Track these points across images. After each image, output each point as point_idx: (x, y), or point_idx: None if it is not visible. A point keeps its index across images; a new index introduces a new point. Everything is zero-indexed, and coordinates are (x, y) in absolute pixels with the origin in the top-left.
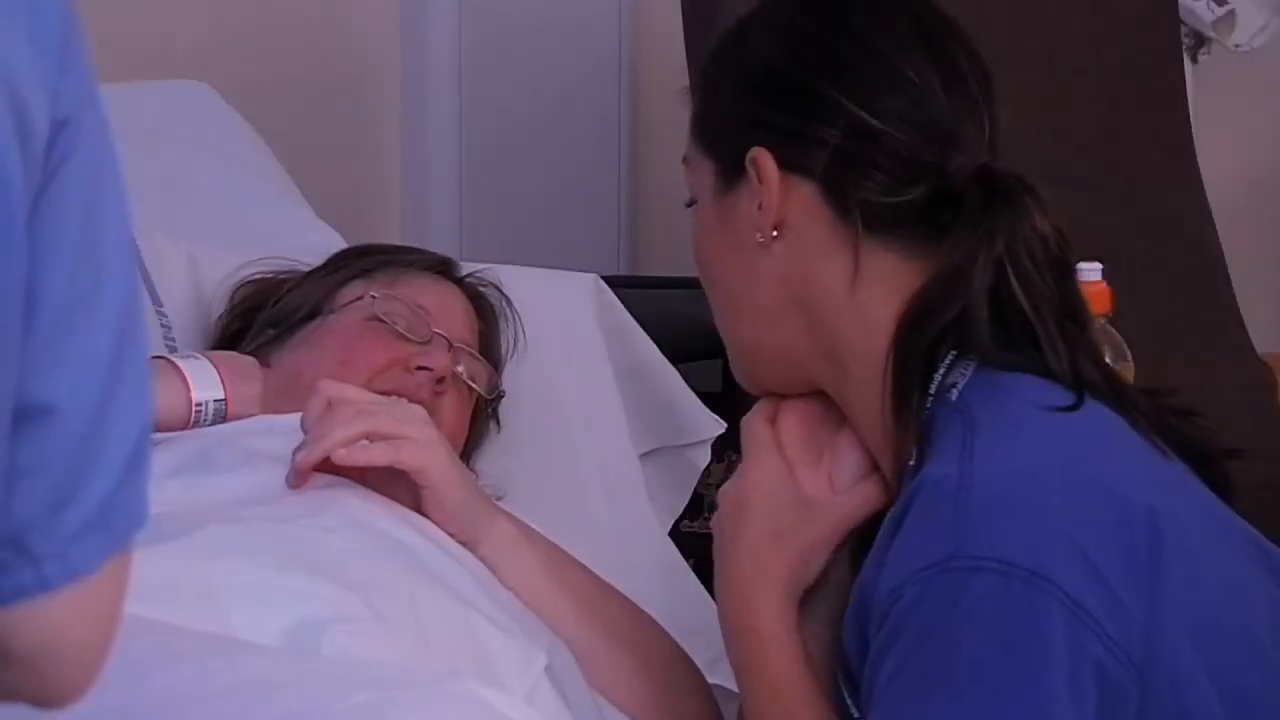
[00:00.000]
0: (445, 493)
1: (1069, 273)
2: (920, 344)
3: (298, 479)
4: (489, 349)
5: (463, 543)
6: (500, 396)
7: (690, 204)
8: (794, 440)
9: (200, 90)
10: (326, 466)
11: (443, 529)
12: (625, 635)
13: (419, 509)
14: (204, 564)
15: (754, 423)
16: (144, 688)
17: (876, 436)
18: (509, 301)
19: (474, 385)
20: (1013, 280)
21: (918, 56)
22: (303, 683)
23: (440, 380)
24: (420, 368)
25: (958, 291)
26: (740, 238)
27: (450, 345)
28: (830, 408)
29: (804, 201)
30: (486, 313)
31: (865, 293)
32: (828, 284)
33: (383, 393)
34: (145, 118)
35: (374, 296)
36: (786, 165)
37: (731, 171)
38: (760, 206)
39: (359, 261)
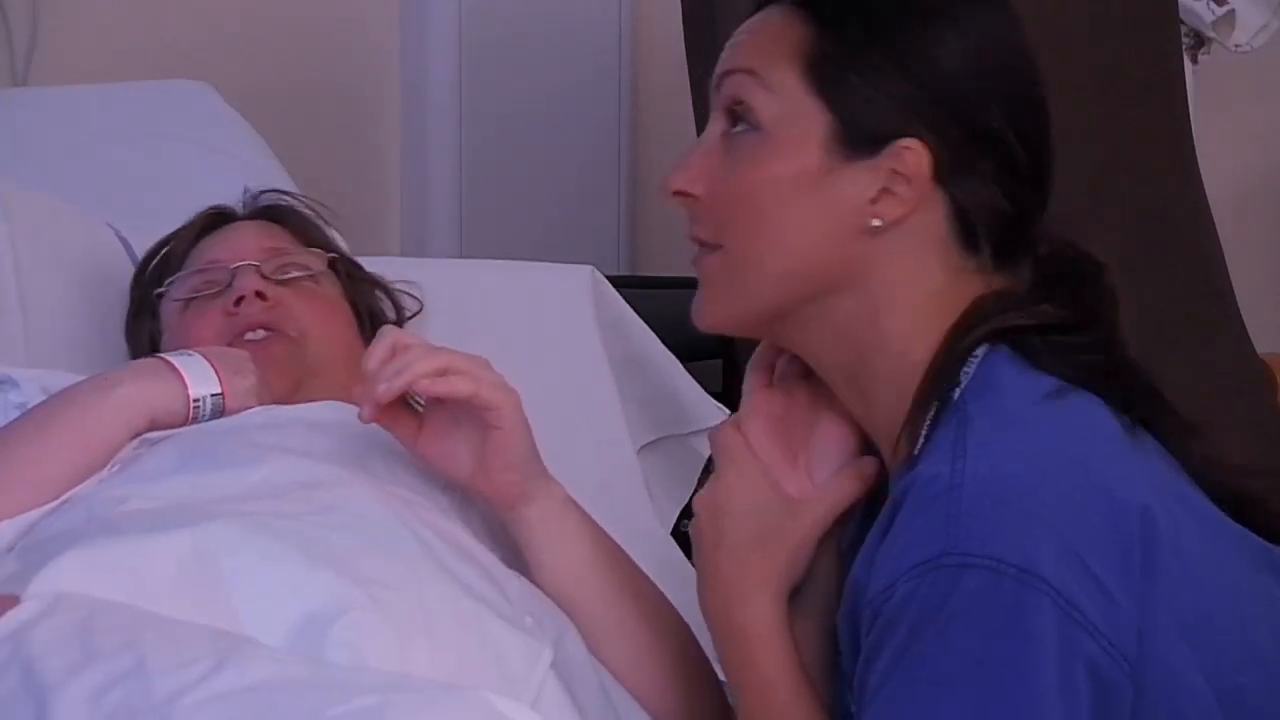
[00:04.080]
0: (513, 436)
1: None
2: (967, 349)
3: (373, 411)
4: (303, 234)
5: (514, 497)
6: (343, 256)
7: (735, 126)
8: (764, 443)
9: (200, 90)
10: (385, 416)
11: (500, 478)
12: (654, 617)
13: (465, 477)
14: (212, 559)
15: (722, 432)
16: (149, 688)
17: (891, 423)
18: (283, 190)
19: (305, 270)
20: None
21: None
22: (304, 687)
23: (259, 295)
24: (236, 302)
25: (1018, 310)
26: (832, 206)
27: (257, 267)
28: (792, 407)
29: (930, 214)
30: (275, 213)
31: (938, 302)
32: (906, 291)
33: (242, 332)
34: (145, 118)
35: (163, 292)
36: (937, 175)
37: (856, 140)
38: (882, 193)
39: (147, 283)
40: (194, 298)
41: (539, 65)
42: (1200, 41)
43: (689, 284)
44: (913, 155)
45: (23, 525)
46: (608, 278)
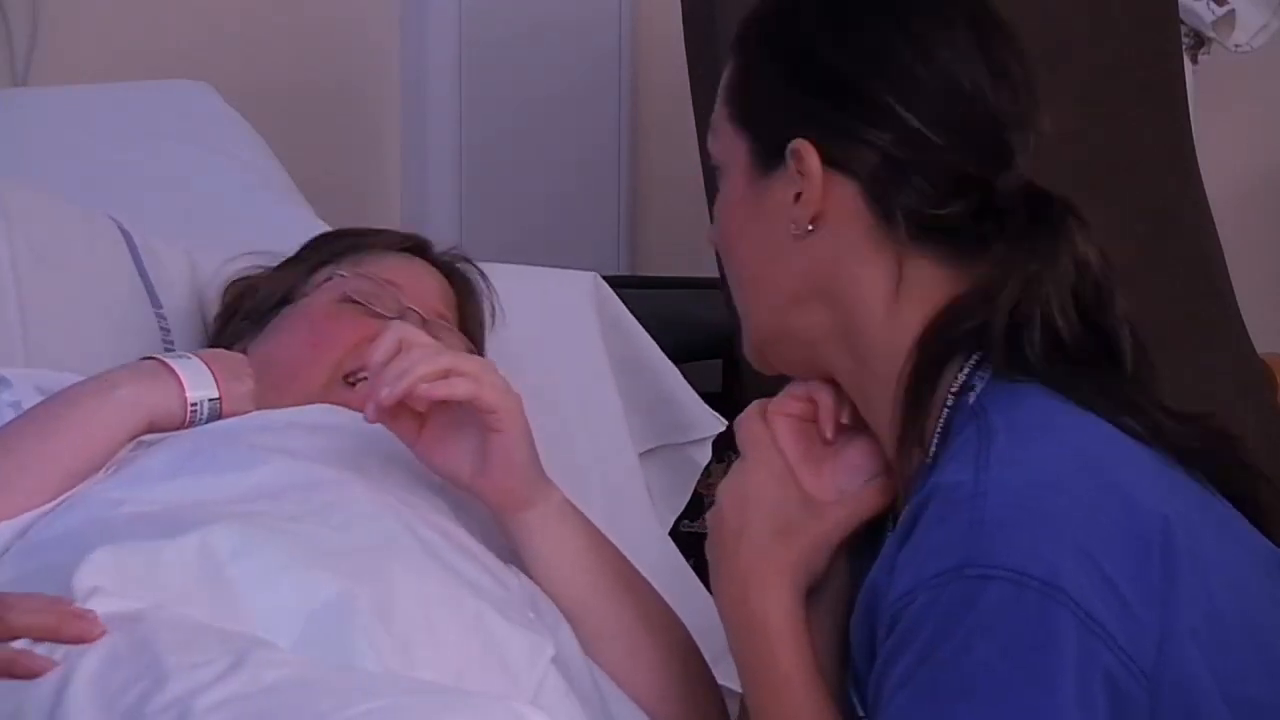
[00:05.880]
0: (515, 439)
1: (1108, 297)
2: (942, 351)
3: (378, 415)
4: (467, 324)
5: (513, 501)
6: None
7: (713, 166)
8: (789, 441)
9: (200, 90)
10: (388, 416)
11: (499, 481)
12: (653, 620)
13: (465, 479)
14: (217, 563)
15: (749, 422)
16: (163, 689)
17: (892, 434)
18: (484, 275)
19: None
20: (1036, 300)
21: (976, 67)
22: (319, 688)
23: None
24: None
25: (988, 304)
26: (771, 222)
27: (424, 320)
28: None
29: (844, 201)
30: (461, 287)
31: (901, 297)
32: (861, 285)
33: (355, 370)
34: (145, 118)
35: (342, 275)
36: (830, 162)
37: (768, 154)
38: (797, 198)
39: (329, 246)
40: (355, 301)
41: (539, 65)
42: (1200, 41)
43: (689, 284)
44: (803, 150)
45: (19, 527)
46: (607, 278)
